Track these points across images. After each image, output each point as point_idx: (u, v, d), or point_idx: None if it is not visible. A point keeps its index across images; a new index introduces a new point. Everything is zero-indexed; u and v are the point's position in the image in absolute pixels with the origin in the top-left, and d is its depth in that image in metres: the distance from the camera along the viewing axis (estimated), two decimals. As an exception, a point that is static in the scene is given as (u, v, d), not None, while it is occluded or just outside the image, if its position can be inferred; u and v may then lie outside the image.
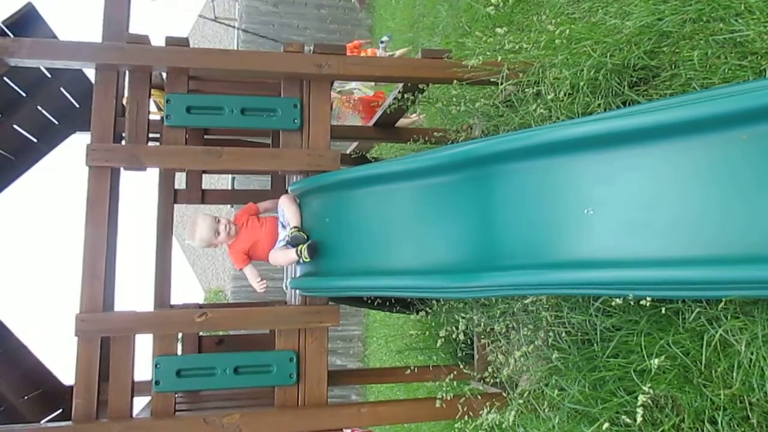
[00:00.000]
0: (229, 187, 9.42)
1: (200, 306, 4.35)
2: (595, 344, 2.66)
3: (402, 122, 5.33)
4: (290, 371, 3.07)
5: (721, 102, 1.84)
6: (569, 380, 2.68)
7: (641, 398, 2.07)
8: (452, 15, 5.46)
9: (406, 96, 3.70)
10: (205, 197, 4.32)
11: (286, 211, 3.29)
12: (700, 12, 2.47)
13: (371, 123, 4.46)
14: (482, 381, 3.41)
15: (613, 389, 2.57)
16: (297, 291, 3.24)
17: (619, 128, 2.10)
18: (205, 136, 4.21)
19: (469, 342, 3.82)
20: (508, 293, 2.53)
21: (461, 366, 3.33)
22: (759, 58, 2.19)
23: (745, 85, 1.94)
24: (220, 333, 4.59)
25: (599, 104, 2.73)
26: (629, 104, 2.70)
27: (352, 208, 3.06)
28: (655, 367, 2.10)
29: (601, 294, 2.27)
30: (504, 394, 2.97)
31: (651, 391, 2.09)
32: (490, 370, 3.13)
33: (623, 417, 2.16)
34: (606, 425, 2.23)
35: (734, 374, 2.13)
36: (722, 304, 2.13)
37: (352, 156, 4.90)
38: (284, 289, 3.54)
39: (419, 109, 5.20)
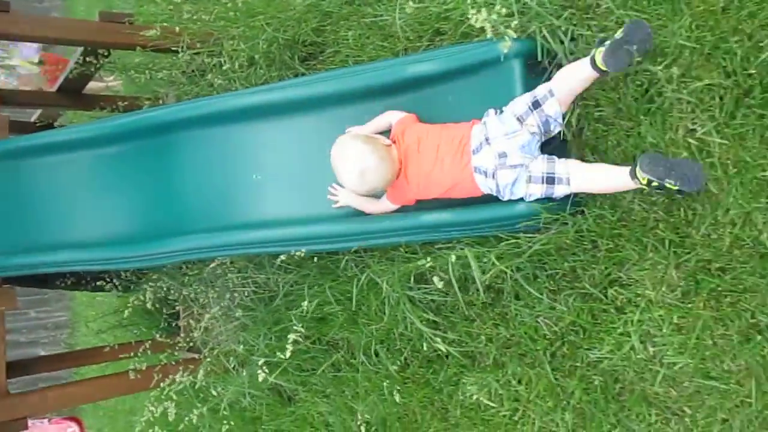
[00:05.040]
0: None
1: None
2: (278, 299, 2.89)
3: (95, 86, 5.02)
4: (-43, 363, 2.76)
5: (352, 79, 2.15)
6: (255, 335, 2.88)
7: (291, 336, 2.33)
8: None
9: (88, 61, 3.48)
10: None
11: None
12: (358, -6, 2.78)
13: (55, 88, 4.10)
14: (184, 348, 3.46)
15: (298, 338, 2.84)
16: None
17: (274, 100, 2.31)
18: None
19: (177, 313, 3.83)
20: (192, 257, 2.61)
21: (159, 336, 3.34)
22: (396, 40, 2.55)
23: (377, 64, 2.28)
24: None
25: (273, 76, 2.92)
26: (302, 76, 2.93)
27: (23, 181, 2.83)
28: (308, 309, 2.38)
29: (273, 252, 2.48)
30: (199, 357, 3.07)
31: (302, 329, 2.36)
32: (182, 335, 3.20)
33: (278, 354, 2.39)
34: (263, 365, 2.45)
35: (385, 310, 2.51)
36: (371, 252, 2.50)
37: (37, 124, 4.46)
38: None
39: (114, 74, 4.92)
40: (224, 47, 2.99)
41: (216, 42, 3.05)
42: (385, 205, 2.20)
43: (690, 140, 1.70)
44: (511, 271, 2.00)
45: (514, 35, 1.74)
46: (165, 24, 3.01)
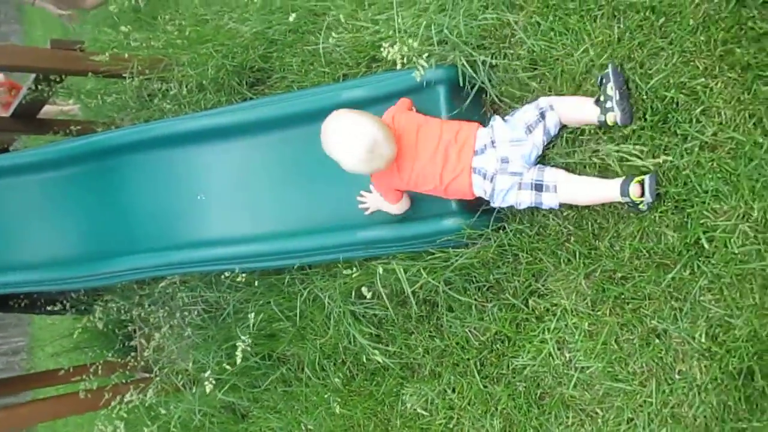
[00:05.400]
0: None
1: None
2: (228, 317, 2.96)
3: (52, 110, 5.05)
4: None
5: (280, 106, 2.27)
6: (206, 353, 2.94)
7: (239, 345, 2.41)
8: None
9: (40, 87, 3.54)
10: None
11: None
12: (297, 24, 2.90)
13: (9, 113, 4.13)
14: (137, 368, 3.49)
15: (248, 355, 2.91)
16: None
17: (217, 124, 2.41)
18: None
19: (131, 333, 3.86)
20: (140, 276, 2.68)
21: (111, 357, 3.38)
22: (336, 66, 2.67)
23: (315, 89, 2.40)
24: None
25: (222, 101, 3.01)
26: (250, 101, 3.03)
27: (-28, 205, 2.88)
28: (254, 323, 2.46)
29: (216, 270, 2.56)
30: (150, 376, 3.12)
31: (249, 340, 2.44)
32: (132, 355, 3.24)
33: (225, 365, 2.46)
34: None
35: (330, 326, 2.60)
36: (315, 269, 2.60)
37: (-7, 149, 4.47)
38: None
39: (72, 99, 4.96)
40: (174, 73, 3.08)
41: (166, 68, 3.14)
42: (396, 204, 2.10)
43: (594, 159, 1.84)
44: (439, 283, 2.11)
45: (426, 66, 1.87)
46: (115, 50, 3.09)
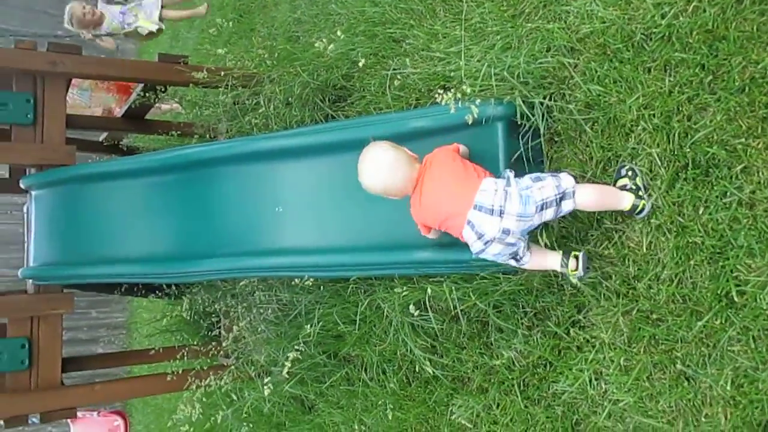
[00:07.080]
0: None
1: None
2: (299, 316, 3.22)
3: (163, 107, 5.54)
4: (22, 357, 3.20)
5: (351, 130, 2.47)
6: (277, 348, 3.21)
7: (291, 354, 2.63)
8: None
9: (148, 94, 3.93)
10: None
11: None
12: (377, 49, 3.10)
13: (120, 114, 4.59)
14: (225, 356, 3.83)
15: (315, 353, 3.16)
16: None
17: (296, 144, 2.65)
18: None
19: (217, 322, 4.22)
20: (220, 277, 2.97)
21: (195, 344, 3.73)
22: (410, 91, 2.85)
23: (386, 116, 2.58)
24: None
25: (305, 116, 3.26)
26: (331, 117, 3.27)
27: (87, 202, 3.28)
28: (313, 333, 2.69)
29: (288, 276, 2.81)
30: (227, 364, 3.43)
31: (302, 348, 2.67)
32: (213, 344, 3.57)
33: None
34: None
35: (390, 333, 2.79)
36: (379, 280, 2.80)
37: (105, 144, 4.96)
38: (20, 276, 3.60)
39: (176, 99, 5.40)
40: (264, 88, 3.36)
41: (257, 83, 3.42)
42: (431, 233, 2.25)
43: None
44: (488, 306, 2.25)
45: (476, 112, 2.01)
46: (211, 67, 3.40)
